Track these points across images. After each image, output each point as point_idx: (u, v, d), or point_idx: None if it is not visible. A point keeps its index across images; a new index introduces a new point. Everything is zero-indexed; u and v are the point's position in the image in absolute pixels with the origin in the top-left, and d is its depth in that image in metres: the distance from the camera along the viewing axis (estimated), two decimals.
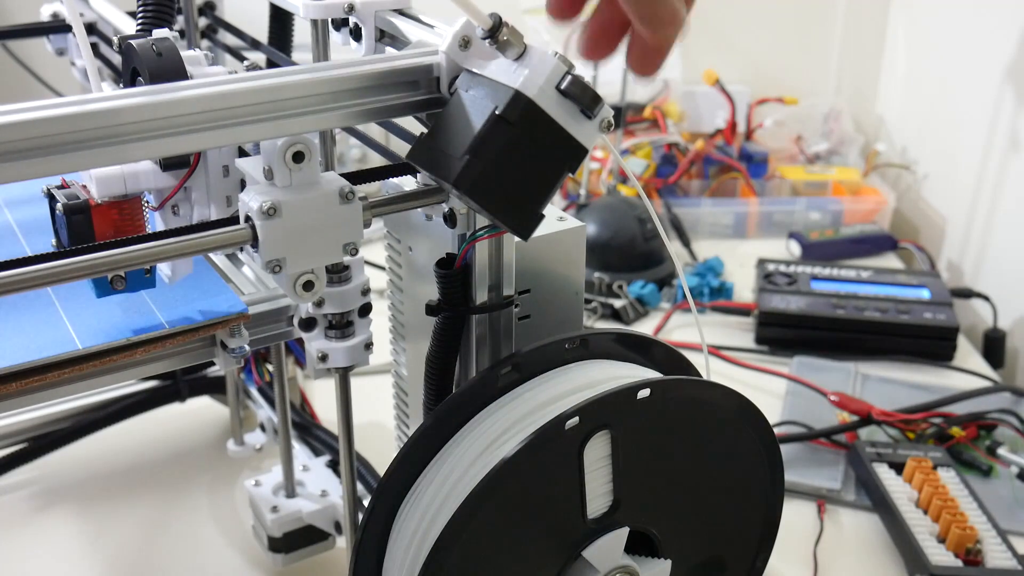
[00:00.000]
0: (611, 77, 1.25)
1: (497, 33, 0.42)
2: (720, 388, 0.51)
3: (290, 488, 0.73)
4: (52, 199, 0.48)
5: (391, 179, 0.52)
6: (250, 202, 0.43)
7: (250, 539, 0.77)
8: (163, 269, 0.52)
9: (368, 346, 0.57)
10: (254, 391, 0.84)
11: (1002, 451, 0.86)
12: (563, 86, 0.42)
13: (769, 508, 0.56)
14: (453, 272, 0.49)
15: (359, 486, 0.67)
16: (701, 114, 1.45)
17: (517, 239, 0.49)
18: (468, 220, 0.48)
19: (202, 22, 0.74)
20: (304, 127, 0.43)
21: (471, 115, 0.43)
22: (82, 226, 0.47)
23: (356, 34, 0.54)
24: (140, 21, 0.56)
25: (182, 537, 0.80)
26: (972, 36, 1.24)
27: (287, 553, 0.72)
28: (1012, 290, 1.12)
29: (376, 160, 0.57)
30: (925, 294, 1.08)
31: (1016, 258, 1.13)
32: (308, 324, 0.56)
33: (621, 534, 0.50)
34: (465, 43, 0.45)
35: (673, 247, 1.24)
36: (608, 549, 0.50)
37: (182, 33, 0.71)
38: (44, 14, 0.79)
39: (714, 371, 1.01)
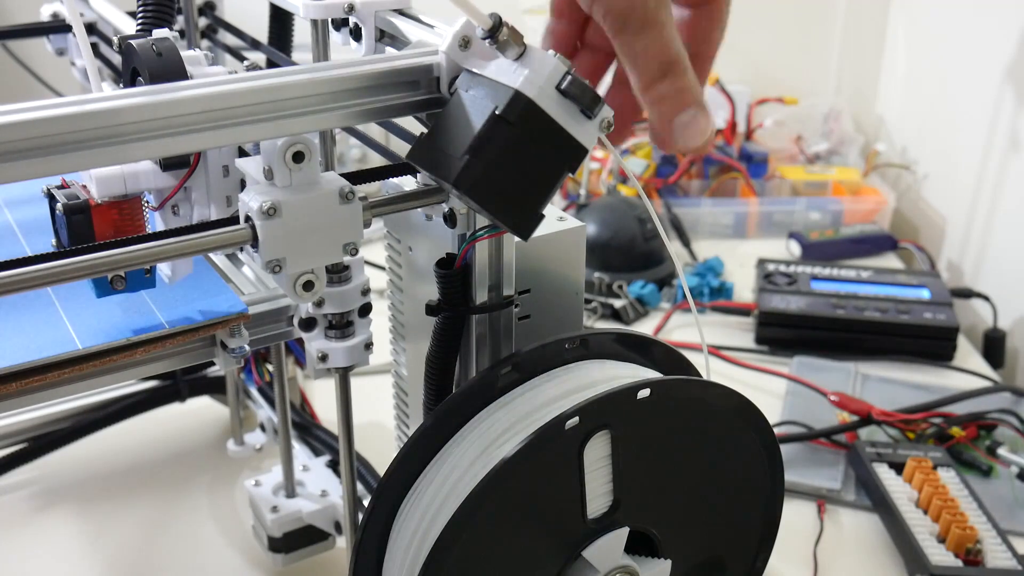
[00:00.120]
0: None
1: (497, 33, 0.42)
2: (720, 388, 0.51)
3: (290, 488, 0.73)
4: (52, 199, 0.48)
5: (391, 179, 0.52)
6: (250, 202, 0.43)
7: (250, 539, 0.77)
8: (163, 269, 0.52)
9: (368, 346, 0.57)
10: (254, 391, 0.84)
11: (1002, 451, 0.86)
12: (563, 86, 0.42)
13: (769, 508, 0.56)
14: (453, 272, 0.49)
15: (359, 486, 0.67)
16: None
17: (517, 239, 0.49)
18: (468, 220, 0.48)
19: (202, 22, 0.74)
20: (304, 127, 0.43)
21: (471, 115, 0.43)
22: (82, 226, 0.47)
23: (356, 34, 0.54)
24: (140, 21, 0.56)
25: (182, 537, 0.80)
26: (972, 36, 1.24)
27: (287, 553, 0.72)
28: (1012, 290, 1.12)
29: (376, 160, 0.57)
30: (925, 294, 1.08)
31: (1016, 258, 1.13)
32: (308, 324, 0.56)
33: (621, 534, 0.50)
34: (465, 43, 0.45)
35: (673, 247, 1.24)
36: (608, 549, 0.50)
37: (182, 33, 0.71)
38: (44, 14, 0.79)
39: (714, 371, 1.01)
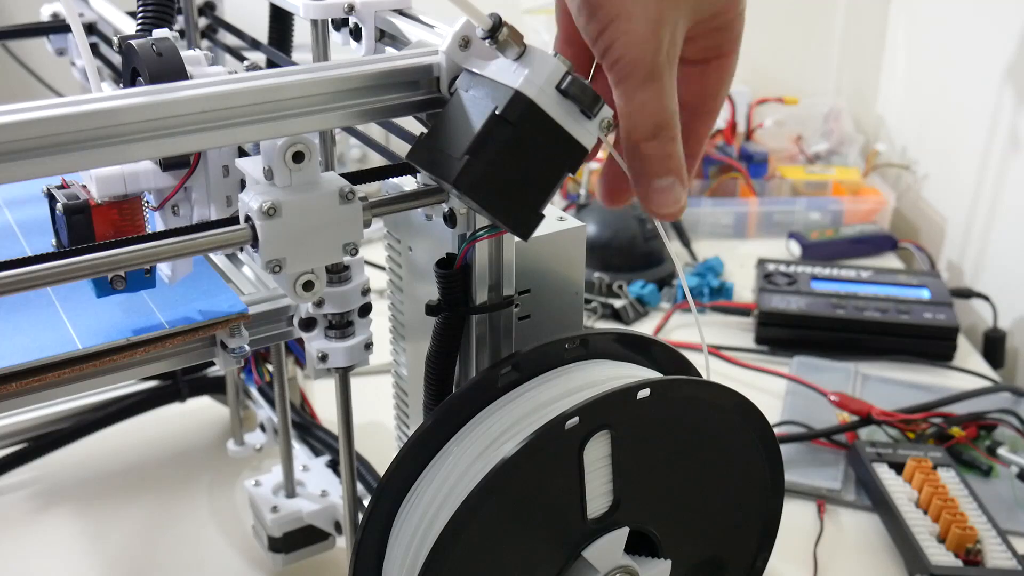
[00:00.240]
0: None
1: (497, 33, 0.42)
2: (720, 388, 0.51)
3: (290, 488, 0.73)
4: (52, 199, 0.48)
5: (391, 179, 0.52)
6: (250, 202, 0.43)
7: (250, 539, 0.77)
8: (163, 269, 0.52)
9: (368, 346, 0.57)
10: (254, 391, 0.84)
11: (1002, 451, 0.86)
12: (563, 86, 0.42)
13: (769, 508, 0.56)
14: (453, 272, 0.49)
15: (359, 486, 0.67)
16: None
17: (517, 239, 0.49)
18: (468, 220, 0.48)
19: (202, 22, 0.74)
20: (304, 127, 0.43)
21: (471, 115, 0.43)
22: (82, 226, 0.47)
23: (356, 34, 0.54)
24: (140, 21, 0.56)
25: (182, 537, 0.80)
26: (972, 36, 1.24)
27: (287, 553, 0.72)
28: (1012, 290, 1.12)
29: (376, 160, 0.57)
30: (925, 294, 1.08)
31: (1016, 258, 1.13)
32: (308, 324, 0.56)
33: (621, 534, 0.50)
34: (465, 43, 0.45)
35: (673, 247, 1.24)
36: (608, 549, 0.50)
37: (182, 33, 0.71)
38: (44, 14, 0.79)
39: (714, 371, 1.01)
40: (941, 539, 0.76)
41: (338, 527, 0.71)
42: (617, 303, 1.11)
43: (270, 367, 0.81)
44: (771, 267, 1.13)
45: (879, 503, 0.81)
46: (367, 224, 0.46)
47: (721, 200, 1.33)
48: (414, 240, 0.54)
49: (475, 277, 0.49)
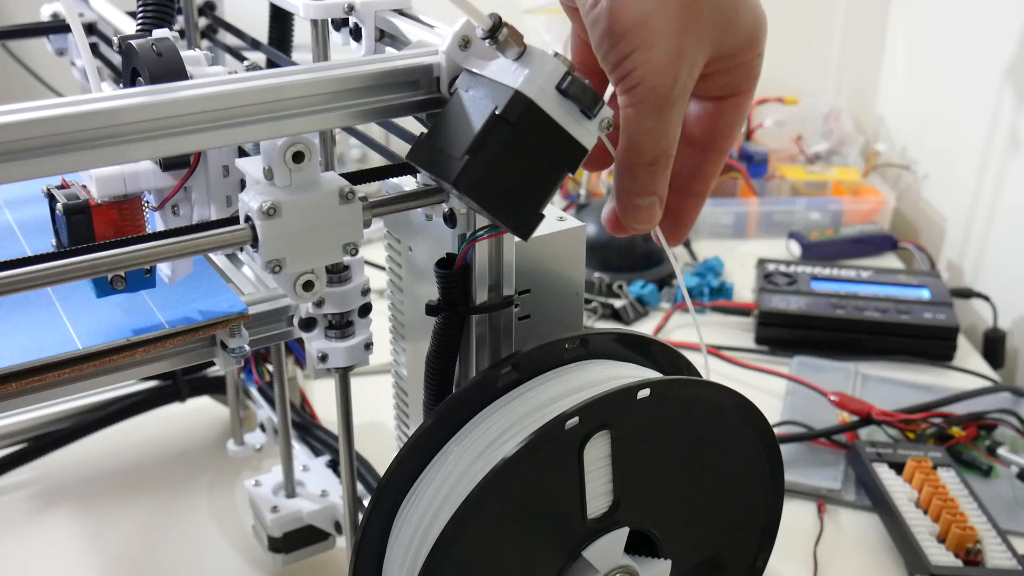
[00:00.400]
0: None
1: (497, 33, 0.42)
2: (720, 388, 0.51)
3: (290, 488, 0.73)
4: (52, 199, 0.48)
5: (391, 179, 0.52)
6: (250, 202, 0.43)
7: (250, 539, 0.77)
8: (163, 269, 0.52)
9: (368, 346, 0.57)
10: (254, 391, 0.84)
11: (1002, 451, 0.86)
12: (563, 86, 0.42)
13: (769, 508, 0.56)
14: (453, 272, 0.49)
15: (359, 486, 0.67)
16: None
17: (517, 239, 0.49)
18: (468, 220, 0.48)
19: (202, 22, 0.74)
20: (304, 127, 0.43)
21: (471, 115, 0.43)
22: (82, 226, 0.47)
23: (356, 34, 0.54)
24: (140, 21, 0.56)
25: (182, 537, 0.80)
26: (972, 36, 1.24)
27: (287, 553, 0.72)
28: (1012, 290, 1.12)
29: (376, 160, 0.57)
30: (925, 294, 1.08)
31: (1016, 258, 1.13)
32: (308, 324, 0.56)
33: (621, 534, 0.50)
34: (465, 43, 0.45)
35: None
36: (608, 549, 0.50)
37: (182, 33, 0.71)
38: (44, 14, 0.79)
39: (714, 371, 1.01)
40: (941, 539, 0.76)
41: (338, 527, 0.71)
42: (617, 303, 1.11)
43: (270, 367, 0.81)
44: (771, 267, 1.13)
45: (879, 503, 0.81)
46: (367, 224, 0.46)
47: (721, 200, 1.33)
48: (414, 240, 0.54)
49: (475, 277, 0.49)
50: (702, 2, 0.43)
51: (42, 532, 0.81)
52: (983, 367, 1.04)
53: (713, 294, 1.14)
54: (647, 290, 1.13)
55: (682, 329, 1.10)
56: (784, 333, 1.05)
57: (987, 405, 0.92)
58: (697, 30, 0.43)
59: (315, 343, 0.57)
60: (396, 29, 0.52)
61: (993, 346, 1.10)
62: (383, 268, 0.59)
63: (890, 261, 1.25)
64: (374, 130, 0.57)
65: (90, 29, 0.73)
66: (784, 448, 0.73)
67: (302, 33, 0.64)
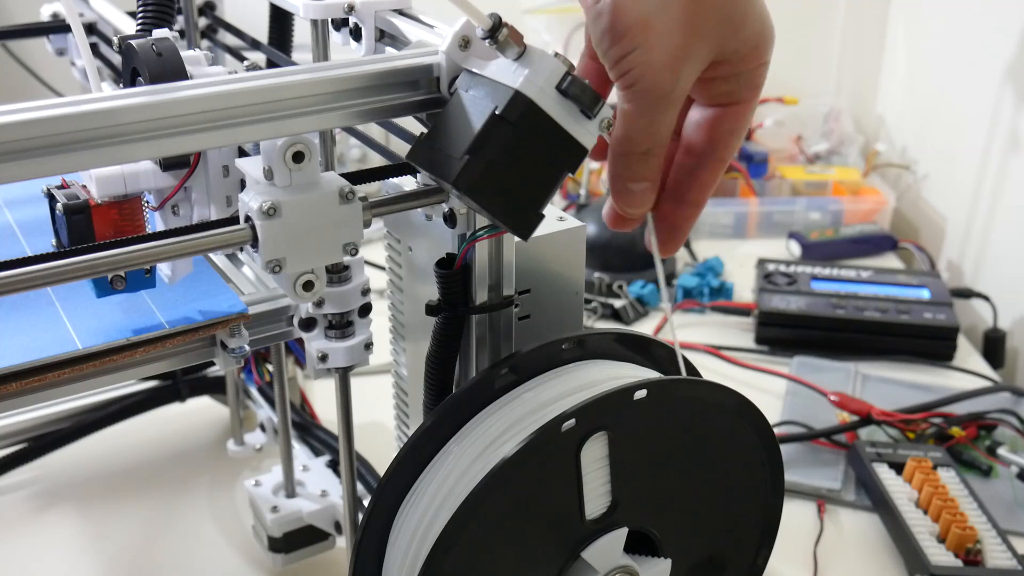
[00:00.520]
0: None
1: (497, 33, 0.42)
2: (719, 388, 0.51)
3: (290, 488, 0.73)
4: (52, 199, 0.48)
5: (391, 179, 0.52)
6: (250, 202, 0.43)
7: (250, 539, 0.77)
8: (163, 269, 0.52)
9: (368, 346, 0.57)
10: (254, 391, 0.84)
11: (1002, 451, 0.86)
12: (563, 86, 0.42)
13: (769, 508, 0.56)
14: (453, 272, 0.49)
15: (359, 486, 0.67)
16: None
17: (517, 239, 0.49)
18: (468, 220, 0.48)
19: (202, 22, 0.74)
20: (304, 127, 0.43)
21: (471, 115, 0.43)
22: (82, 226, 0.47)
23: (356, 34, 0.54)
24: (140, 21, 0.56)
25: (182, 537, 0.80)
26: (972, 36, 1.24)
27: (287, 553, 0.72)
28: (1012, 290, 1.12)
29: (376, 160, 0.57)
30: (925, 294, 1.08)
31: (1016, 258, 1.13)
32: (308, 324, 0.56)
33: (620, 534, 0.50)
34: (465, 43, 0.45)
35: None
36: (607, 549, 0.50)
37: (182, 33, 0.71)
38: (44, 14, 0.79)
39: (714, 371, 1.01)
40: (941, 539, 0.76)
41: (338, 527, 0.71)
42: (617, 303, 1.11)
43: (270, 367, 0.81)
44: (771, 267, 1.13)
45: (879, 503, 0.81)
46: (367, 224, 0.46)
47: (721, 200, 1.32)
48: (414, 240, 0.54)
49: (475, 277, 0.49)
50: (706, 5, 0.43)
51: (42, 532, 0.81)
52: (983, 367, 1.04)
53: (713, 294, 1.14)
54: (647, 290, 1.13)
55: (682, 329, 1.10)
56: (784, 333, 1.05)
57: (987, 405, 0.92)
58: (699, 32, 0.43)
59: (315, 343, 0.57)
60: (396, 29, 0.52)
61: (993, 346, 1.10)
62: (383, 268, 0.59)
63: (890, 261, 1.25)
64: (374, 130, 0.57)
65: (90, 29, 0.73)
66: (784, 448, 0.73)
67: (302, 33, 0.64)
